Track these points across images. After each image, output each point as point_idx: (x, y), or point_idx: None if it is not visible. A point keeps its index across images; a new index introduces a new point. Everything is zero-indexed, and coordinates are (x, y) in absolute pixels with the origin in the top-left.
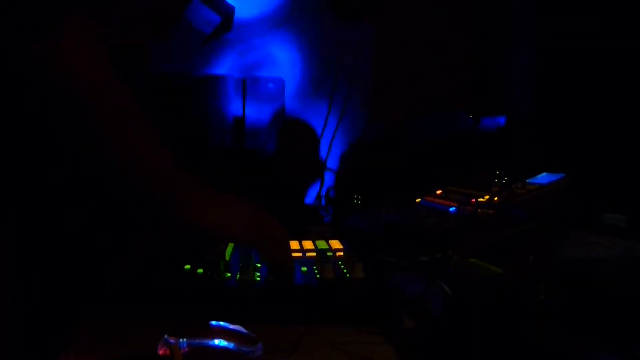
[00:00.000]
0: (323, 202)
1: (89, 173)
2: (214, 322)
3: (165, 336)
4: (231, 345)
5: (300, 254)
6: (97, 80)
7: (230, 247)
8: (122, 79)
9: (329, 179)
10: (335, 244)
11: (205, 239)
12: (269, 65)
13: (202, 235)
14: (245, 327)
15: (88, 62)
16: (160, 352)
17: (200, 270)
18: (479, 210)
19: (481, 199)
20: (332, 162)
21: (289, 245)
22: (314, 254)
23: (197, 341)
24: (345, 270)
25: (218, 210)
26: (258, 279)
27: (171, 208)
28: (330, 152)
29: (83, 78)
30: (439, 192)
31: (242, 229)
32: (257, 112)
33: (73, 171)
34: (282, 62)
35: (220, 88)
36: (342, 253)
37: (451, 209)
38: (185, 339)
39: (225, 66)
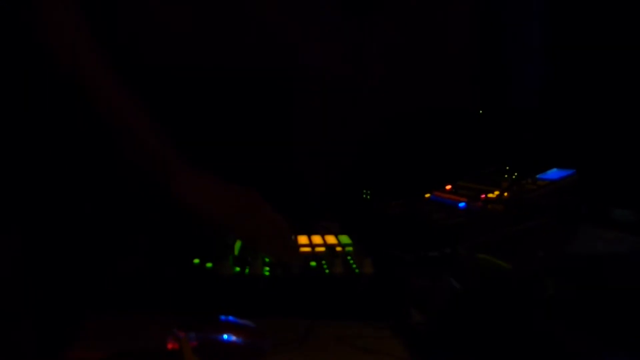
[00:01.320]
0: (331, 197)
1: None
2: (222, 317)
3: (174, 330)
4: (240, 339)
5: (309, 249)
6: (78, 52)
7: (239, 241)
8: (105, 54)
9: (338, 173)
10: (344, 238)
11: (193, 223)
12: None
13: (187, 216)
14: (254, 322)
15: (68, 34)
16: (169, 346)
17: (209, 264)
18: (489, 205)
19: (491, 195)
20: (341, 157)
21: (286, 237)
22: (322, 248)
23: (205, 335)
24: (354, 265)
25: (205, 191)
26: (267, 273)
27: (158, 183)
28: (339, 146)
29: (63, 48)
30: (448, 187)
31: (231, 215)
32: None
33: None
34: None
35: None
36: (351, 248)
37: (460, 204)
38: (194, 333)
39: None
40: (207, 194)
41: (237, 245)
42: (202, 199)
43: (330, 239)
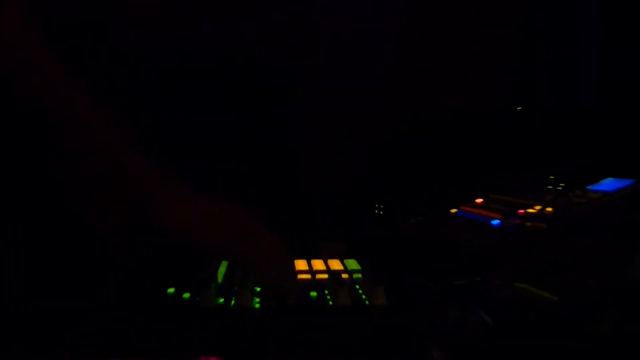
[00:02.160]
0: (337, 212)
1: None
2: (204, 357)
3: None
4: None
5: (309, 276)
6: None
7: (223, 267)
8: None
9: (345, 184)
10: (352, 263)
11: (178, 248)
12: None
13: (173, 242)
14: None
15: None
16: None
17: (186, 295)
18: (528, 223)
19: (531, 210)
20: (349, 164)
21: (285, 262)
22: (325, 275)
23: None
24: (363, 296)
25: (194, 213)
26: (257, 305)
27: (138, 206)
28: (347, 152)
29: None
30: (479, 200)
31: (221, 238)
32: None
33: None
34: None
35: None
36: (360, 275)
37: (494, 222)
38: None
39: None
40: (195, 217)
41: (221, 271)
42: (190, 222)
43: (335, 264)
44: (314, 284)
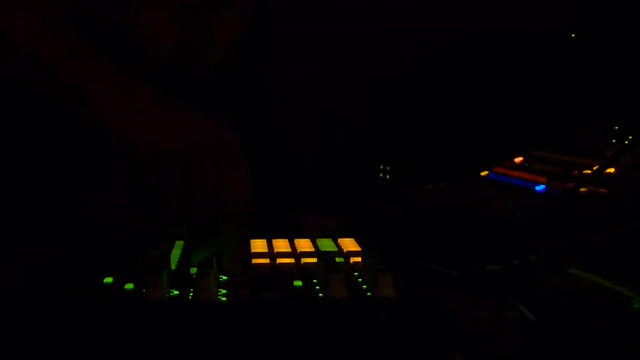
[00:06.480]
0: (330, 175)
1: None
2: None
3: None
4: None
5: (292, 260)
6: None
7: (178, 248)
8: None
9: (338, 136)
10: (349, 243)
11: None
12: None
13: (110, 151)
14: None
15: None
16: None
17: (129, 286)
18: (584, 188)
19: (587, 171)
20: (344, 111)
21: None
22: (314, 259)
23: None
24: (365, 286)
25: (142, 114)
26: (223, 298)
27: (69, 103)
28: (341, 93)
29: None
30: (518, 159)
31: (180, 146)
32: None
33: None
34: None
35: None
36: (359, 258)
37: (538, 188)
38: None
39: None
40: (147, 119)
41: (175, 254)
42: (139, 124)
43: (327, 244)
44: (298, 270)
